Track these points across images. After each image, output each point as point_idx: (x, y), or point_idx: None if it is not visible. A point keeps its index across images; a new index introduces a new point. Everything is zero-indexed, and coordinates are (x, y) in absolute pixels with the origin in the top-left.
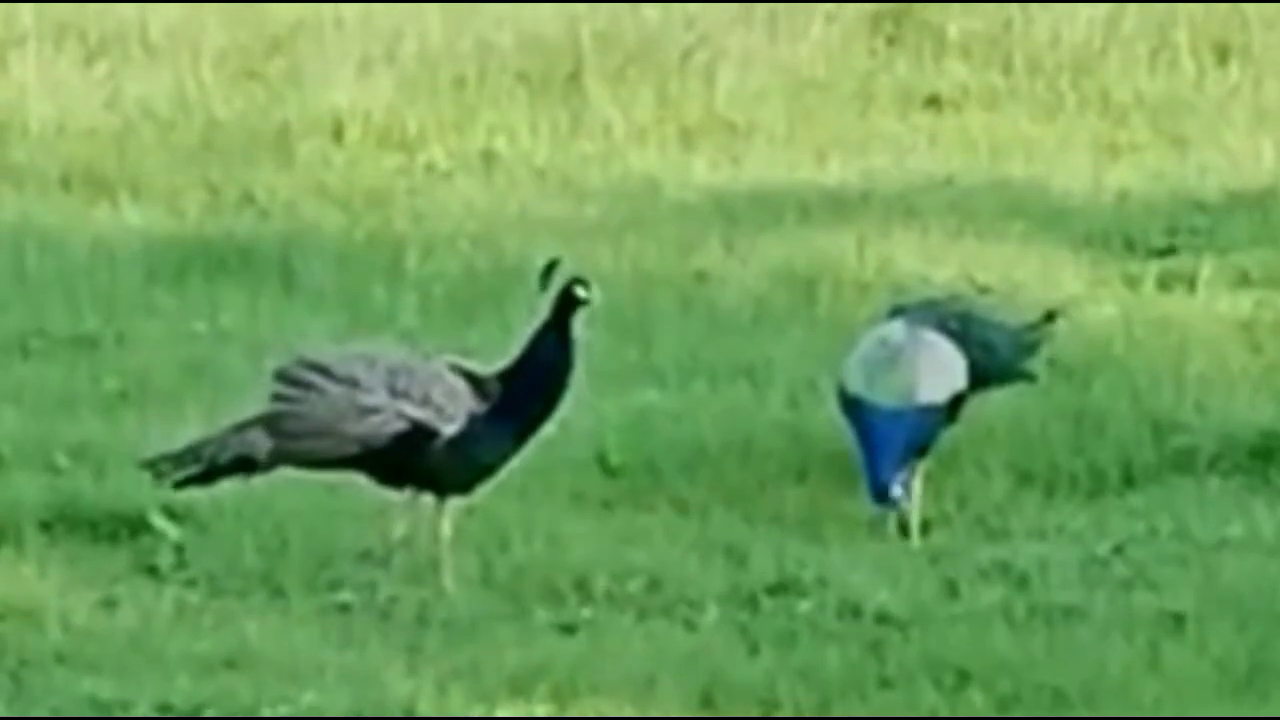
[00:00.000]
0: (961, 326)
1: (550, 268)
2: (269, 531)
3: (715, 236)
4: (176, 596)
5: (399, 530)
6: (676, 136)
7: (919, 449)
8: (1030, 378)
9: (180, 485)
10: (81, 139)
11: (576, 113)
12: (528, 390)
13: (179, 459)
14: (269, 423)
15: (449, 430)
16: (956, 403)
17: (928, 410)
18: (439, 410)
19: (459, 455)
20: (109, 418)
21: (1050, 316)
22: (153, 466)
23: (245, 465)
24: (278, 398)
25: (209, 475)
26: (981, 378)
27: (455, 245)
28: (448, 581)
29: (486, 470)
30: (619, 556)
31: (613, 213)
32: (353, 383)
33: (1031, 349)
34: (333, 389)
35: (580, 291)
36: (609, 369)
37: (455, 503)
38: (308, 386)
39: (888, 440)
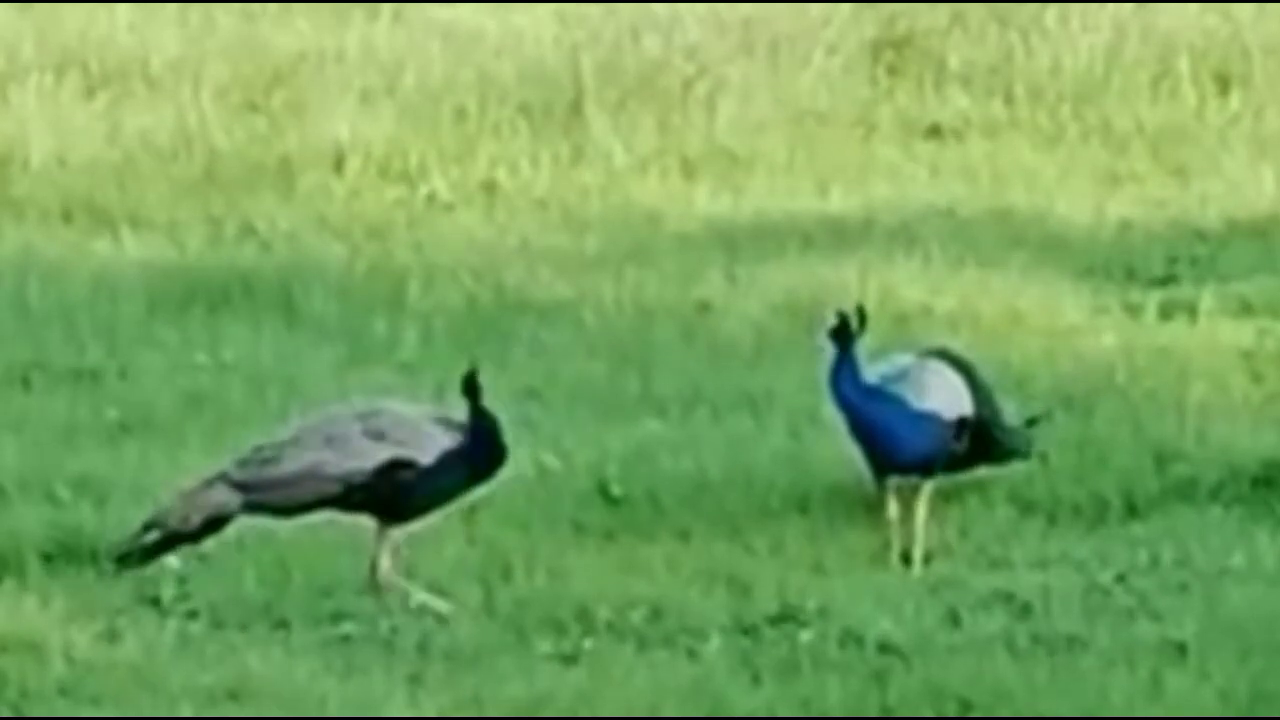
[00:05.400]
0: (968, 371)
1: (471, 378)
2: (270, 563)
3: (716, 267)
4: (179, 628)
5: (399, 562)
6: (678, 167)
7: (921, 464)
8: (1025, 456)
9: (148, 560)
10: (83, 171)
11: (578, 144)
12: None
13: (142, 536)
14: (232, 480)
15: (425, 460)
16: (961, 429)
17: (931, 419)
18: (413, 445)
19: (431, 484)
20: (110, 450)
21: (1032, 422)
22: (123, 561)
23: (217, 524)
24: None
25: (174, 542)
26: (984, 428)
27: (456, 277)
28: (412, 604)
29: (449, 497)
30: (621, 587)
31: (614, 243)
32: (328, 439)
33: (1027, 441)
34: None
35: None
36: (610, 400)
37: (395, 536)
38: (277, 461)
39: (882, 419)
